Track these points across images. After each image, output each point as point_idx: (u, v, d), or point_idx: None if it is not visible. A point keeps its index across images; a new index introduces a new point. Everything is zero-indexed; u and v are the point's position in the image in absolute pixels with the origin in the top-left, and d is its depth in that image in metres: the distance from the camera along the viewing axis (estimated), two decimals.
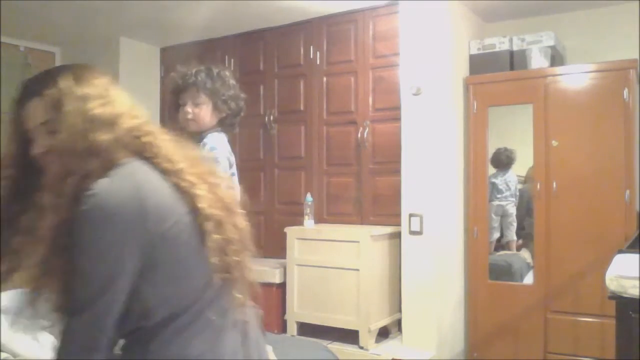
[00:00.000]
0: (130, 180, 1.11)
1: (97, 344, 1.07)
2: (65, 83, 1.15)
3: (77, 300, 1.05)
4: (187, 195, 1.16)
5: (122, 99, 1.21)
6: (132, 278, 1.08)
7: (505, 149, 3.47)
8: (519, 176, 3.54)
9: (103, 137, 1.12)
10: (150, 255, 1.09)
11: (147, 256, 1.08)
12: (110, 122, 1.14)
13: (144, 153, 1.18)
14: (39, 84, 1.17)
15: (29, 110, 1.16)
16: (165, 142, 1.22)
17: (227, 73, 2.07)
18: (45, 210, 1.08)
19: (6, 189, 1.21)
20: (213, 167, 1.26)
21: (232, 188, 1.28)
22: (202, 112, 2.01)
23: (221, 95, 2.01)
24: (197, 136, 2.06)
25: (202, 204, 1.17)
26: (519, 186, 3.54)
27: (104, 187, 1.07)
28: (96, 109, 1.14)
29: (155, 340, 1.12)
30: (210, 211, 1.17)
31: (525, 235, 3.48)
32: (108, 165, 1.11)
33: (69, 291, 1.06)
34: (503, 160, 3.49)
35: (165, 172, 1.17)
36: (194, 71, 2.03)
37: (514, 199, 3.54)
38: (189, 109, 2.02)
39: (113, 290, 1.06)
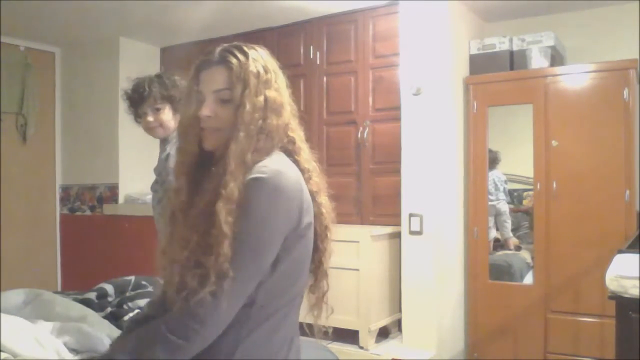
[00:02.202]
0: (293, 169, 1.21)
1: (232, 310, 1.09)
2: (251, 61, 1.20)
3: (232, 262, 1.07)
4: (314, 201, 1.26)
5: (284, 89, 1.27)
6: (274, 257, 1.13)
7: (490, 151, 3.46)
8: (506, 174, 3.56)
9: (274, 121, 1.19)
10: (284, 245, 1.14)
11: (284, 244, 1.14)
12: (278, 110, 1.22)
13: (288, 147, 1.27)
14: (227, 54, 1.20)
15: (208, 75, 1.21)
16: (303, 142, 1.30)
17: (177, 77, 2.08)
18: (230, 174, 1.12)
19: (190, 146, 1.25)
20: (324, 177, 1.34)
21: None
22: (165, 116, 2.04)
23: (178, 100, 2.01)
24: (165, 141, 2.08)
25: (327, 213, 1.29)
26: (508, 185, 3.57)
27: (277, 165, 1.16)
28: (272, 94, 1.20)
29: (243, 343, 1.13)
30: (329, 223, 1.30)
31: None
32: (269, 148, 1.19)
33: (221, 257, 1.07)
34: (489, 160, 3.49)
35: (302, 172, 1.25)
36: (145, 83, 2.03)
37: (504, 197, 3.55)
38: (150, 117, 2.04)
39: (264, 257, 1.11)
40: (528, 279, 3.32)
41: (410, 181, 3.21)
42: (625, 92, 3.01)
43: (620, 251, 2.13)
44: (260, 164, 1.14)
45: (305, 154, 1.29)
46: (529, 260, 3.38)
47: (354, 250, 3.18)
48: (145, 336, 1.10)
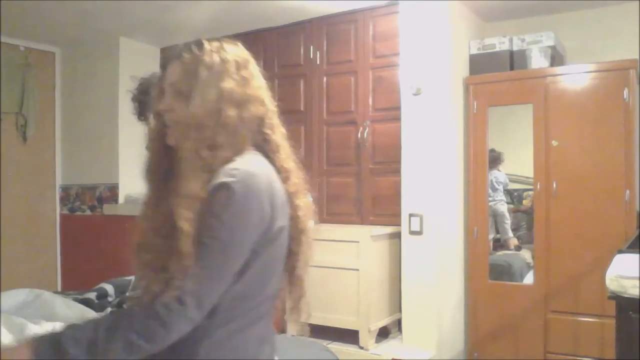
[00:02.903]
0: (264, 170, 1.14)
1: (199, 315, 1.05)
2: (206, 53, 1.16)
3: (201, 267, 1.04)
4: (290, 203, 1.20)
5: (256, 81, 1.20)
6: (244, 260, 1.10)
7: (493, 150, 3.46)
8: (506, 174, 3.55)
9: (232, 113, 1.13)
10: (253, 249, 1.11)
11: (254, 249, 1.11)
12: (240, 102, 1.15)
13: (263, 145, 1.21)
14: (184, 48, 1.18)
15: (168, 71, 1.19)
16: (283, 140, 1.24)
17: None
18: (184, 171, 1.09)
19: (155, 143, 1.23)
20: (304, 177, 1.28)
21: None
22: None
23: None
24: None
25: (304, 216, 1.22)
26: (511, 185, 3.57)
27: (248, 166, 1.10)
28: (229, 85, 1.14)
29: (207, 341, 1.11)
30: (306, 226, 1.22)
31: None
32: (235, 144, 1.13)
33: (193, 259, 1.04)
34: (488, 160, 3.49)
35: (278, 172, 1.20)
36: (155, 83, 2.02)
37: (502, 198, 3.55)
38: None
39: (234, 262, 1.08)
40: (528, 279, 3.32)
41: (410, 181, 3.21)
42: (625, 92, 3.01)
43: (620, 251, 2.13)
44: (230, 165, 1.09)
45: (284, 152, 1.23)
46: (529, 260, 3.38)
47: (354, 250, 3.18)
48: (104, 331, 1.04)
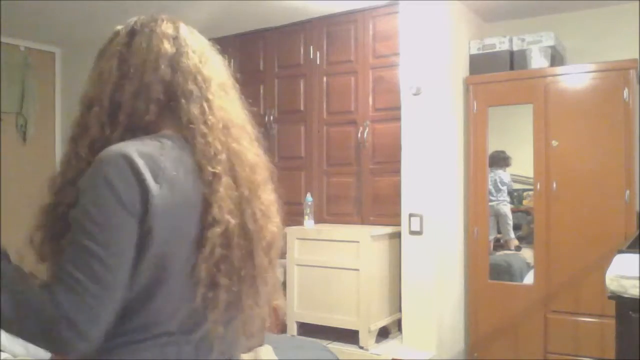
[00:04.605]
0: (152, 152, 0.92)
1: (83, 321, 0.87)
2: (118, 35, 1.04)
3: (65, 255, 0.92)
4: (209, 187, 0.95)
5: (155, 43, 1.05)
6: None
7: (502, 152, 3.46)
8: (514, 175, 3.55)
9: (129, 88, 0.97)
10: (153, 247, 0.90)
11: (144, 243, 0.89)
12: (134, 73, 0.98)
13: (177, 121, 0.99)
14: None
15: None
16: (213, 110, 1.00)
17: None
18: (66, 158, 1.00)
19: None
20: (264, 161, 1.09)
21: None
22: None
23: None
24: None
25: (217, 203, 0.94)
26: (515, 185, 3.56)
27: (120, 147, 0.91)
28: (111, 64, 0.99)
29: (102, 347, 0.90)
30: (223, 216, 0.94)
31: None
32: (140, 123, 0.97)
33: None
34: (491, 160, 3.49)
35: (192, 151, 0.97)
36: None
37: (505, 199, 3.55)
38: None
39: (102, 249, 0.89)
40: (528, 279, 3.32)
41: (410, 181, 3.21)
42: (625, 92, 3.01)
43: (620, 251, 2.13)
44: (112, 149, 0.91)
45: (207, 127, 0.98)
46: (529, 260, 3.38)
47: (354, 250, 3.18)
48: (20, 303, 0.91)
